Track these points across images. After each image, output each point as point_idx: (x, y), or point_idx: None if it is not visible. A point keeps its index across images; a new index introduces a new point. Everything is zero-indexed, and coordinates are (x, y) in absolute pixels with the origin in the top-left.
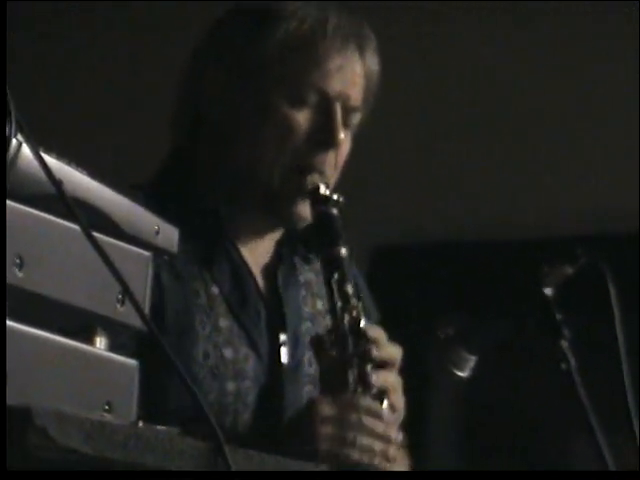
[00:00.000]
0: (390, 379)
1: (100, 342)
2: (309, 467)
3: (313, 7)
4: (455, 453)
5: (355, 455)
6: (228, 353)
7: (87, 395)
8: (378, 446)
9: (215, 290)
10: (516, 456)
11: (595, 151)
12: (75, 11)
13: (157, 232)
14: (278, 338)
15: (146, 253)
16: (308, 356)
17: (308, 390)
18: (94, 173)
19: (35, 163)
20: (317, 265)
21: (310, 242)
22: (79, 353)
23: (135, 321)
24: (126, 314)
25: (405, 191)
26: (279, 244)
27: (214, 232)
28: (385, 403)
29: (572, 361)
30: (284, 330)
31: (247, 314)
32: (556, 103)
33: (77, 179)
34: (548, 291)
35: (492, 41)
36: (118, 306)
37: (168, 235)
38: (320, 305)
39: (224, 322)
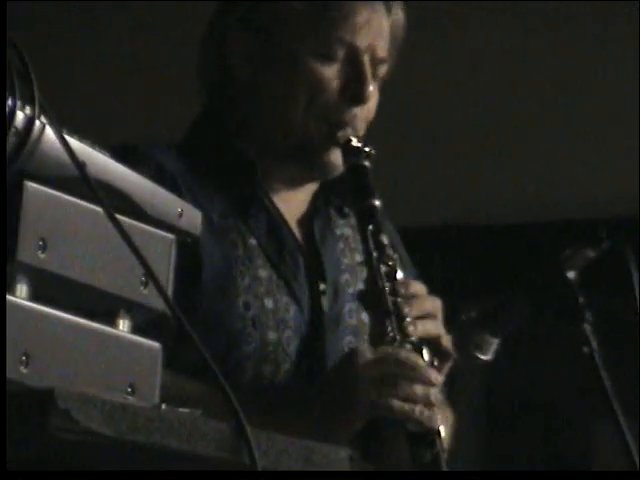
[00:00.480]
0: (431, 329)
1: (123, 324)
2: (333, 450)
3: None
4: (477, 437)
5: (395, 403)
6: (269, 303)
7: (110, 377)
8: (419, 391)
9: (253, 241)
10: (538, 440)
11: (619, 133)
12: None
13: (180, 214)
14: (317, 288)
15: (169, 236)
16: (348, 307)
17: (349, 341)
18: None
19: (58, 145)
20: (353, 220)
21: (344, 194)
22: (102, 335)
23: (159, 304)
24: (149, 297)
25: (430, 173)
26: (314, 197)
27: (249, 184)
28: (425, 353)
29: (594, 345)
30: (323, 280)
31: (286, 264)
32: (579, 86)
33: (100, 161)
34: (571, 274)
35: (495, 32)
36: (141, 288)
37: (191, 217)
38: (359, 258)
39: (263, 272)
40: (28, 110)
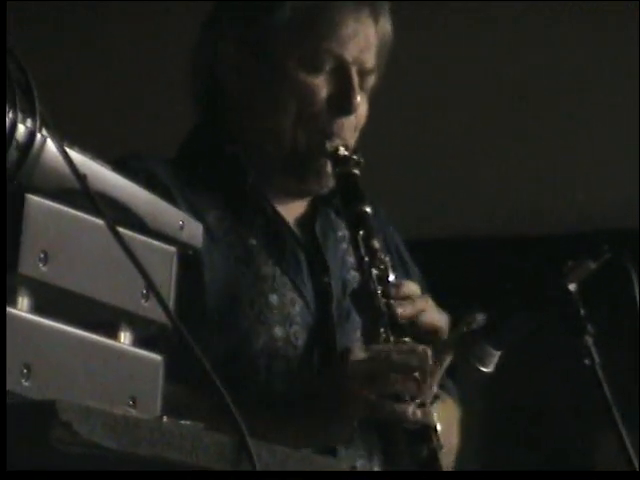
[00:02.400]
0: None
1: (125, 337)
2: (333, 463)
3: None
4: (479, 447)
5: (386, 403)
6: (274, 299)
7: (112, 390)
8: (411, 389)
9: (253, 241)
10: (540, 452)
11: (619, 145)
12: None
13: (181, 227)
14: (323, 284)
15: (171, 248)
16: None
17: (359, 336)
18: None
19: (60, 158)
20: None
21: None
22: (104, 348)
23: (160, 316)
24: (151, 309)
25: (431, 185)
26: (313, 201)
27: (244, 187)
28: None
29: (596, 357)
30: (327, 276)
31: (287, 261)
32: (580, 98)
33: (101, 174)
34: (572, 286)
35: (496, 34)
36: (143, 301)
37: (192, 230)
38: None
39: (266, 270)
40: (29, 123)
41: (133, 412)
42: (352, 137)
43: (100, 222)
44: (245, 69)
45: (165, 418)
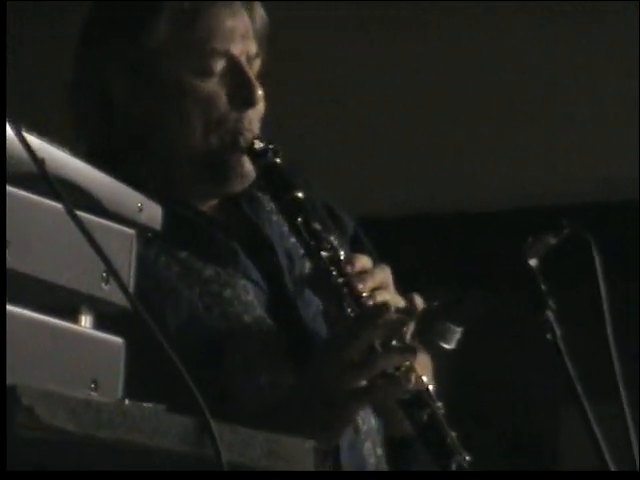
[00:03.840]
0: (388, 298)
1: (85, 320)
2: (299, 442)
3: None
4: None
5: (376, 386)
6: (227, 294)
7: (73, 374)
8: (396, 361)
9: (182, 254)
10: (505, 428)
11: (577, 121)
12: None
13: (140, 209)
14: (269, 261)
15: (130, 231)
16: (307, 267)
17: (318, 302)
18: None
19: (17, 142)
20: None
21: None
22: (64, 332)
23: (120, 299)
24: (111, 292)
25: (387, 163)
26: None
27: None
28: None
29: (558, 331)
30: (271, 252)
31: (221, 255)
32: (540, 77)
33: (59, 157)
34: (533, 262)
35: (491, 29)
36: (103, 284)
37: (151, 212)
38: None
39: (208, 272)
40: None
41: (95, 395)
42: (258, 127)
43: (58, 206)
44: (142, 94)
45: (127, 401)
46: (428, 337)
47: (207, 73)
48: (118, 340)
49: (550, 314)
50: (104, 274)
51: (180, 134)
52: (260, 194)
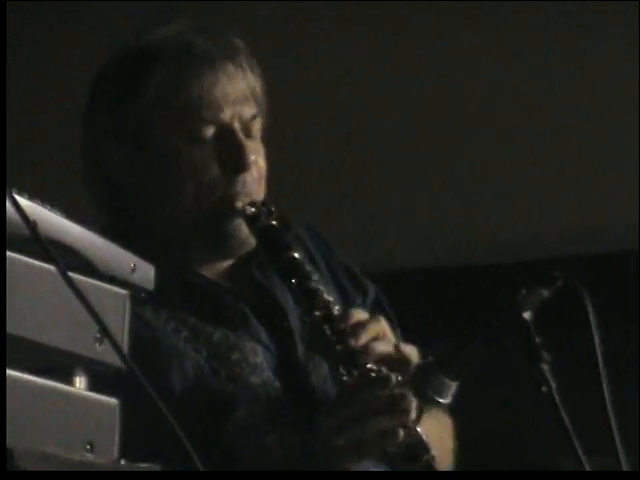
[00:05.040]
0: (383, 349)
1: (80, 382)
2: None
3: (169, 35)
4: None
5: (371, 441)
6: (235, 356)
7: (68, 435)
8: (394, 420)
9: (191, 319)
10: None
11: (570, 173)
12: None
13: (133, 270)
14: (278, 324)
15: (123, 291)
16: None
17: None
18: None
19: (9, 205)
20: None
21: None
22: (59, 394)
23: (114, 360)
24: (105, 353)
25: (384, 217)
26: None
27: (170, 276)
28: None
29: (553, 384)
30: (281, 315)
31: (231, 319)
32: (532, 126)
33: (51, 219)
34: (526, 314)
35: (487, 53)
36: (97, 345)
37: (144, 272)
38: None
39: (217, 336)
40: None
41: (90, 457)
42: (257, 188)
43: (51, 268)
44: (133, 162)
45: (123, 461)
46: (423, 391)
47: (198, 140)
48: (113, 401)
49: (545, 366)
50: (98, 335)
51: (173, 201)
52: None
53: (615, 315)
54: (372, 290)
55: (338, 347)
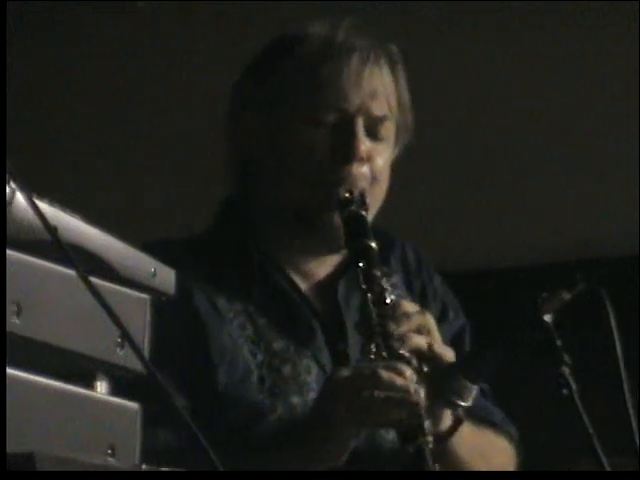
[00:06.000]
0: (419, 342)
1: (101, 386)
2: None
3: (324, 26)
4: None
5: (376, 414)
6: (287, 370)
7: (90, 440)
8: (398, 392)
9: (262, 320)
10: None
11: (590, 176)
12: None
13: (154, 274)
14: (339, 349)
15: (143, 295)
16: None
17: None
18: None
19: (30, 210)
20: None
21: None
22: (80, 398)
23: (135, 364)
24: (126, 357)
25: (406, 219)
26: (341, 263)
27: (257, 267)
28: (412, 367)
29: (573, 386)
30: (344, 341)
31: (299, 333)
32: (553, 130)
33: (72, 224)
34: (547, 317)
35: (486, 59)
36: (118, 350)
37: (165, 277)
38: None
39: (278, 344)
40: None
41: (112, 461)
42: (368, 187)
43: (72, 272)
44: (258, 132)
45: (144, 466)
46: (445, 395)
47: (317, 123)
48: (134, 405)
49: (566, 369)
50: (119, 339)
51: (281, 180)
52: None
53: (635, 318)
54: (437, 280)
55: (378, 329)
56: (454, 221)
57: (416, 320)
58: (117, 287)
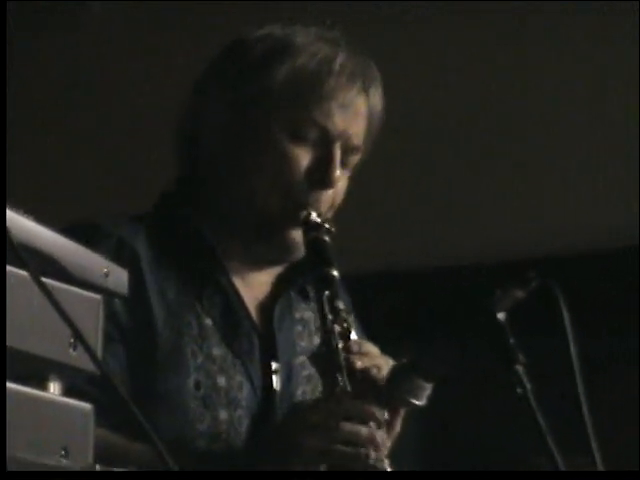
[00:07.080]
0: (379, 380)
1: (54, 387)
2: None
3: (324, 43)
4: None
5: (337, 447)
6: (221, 381)
7: (43, 441)
8: (363, 433)
9: (208, 321)
10: None
11: (544, 172)
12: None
13: (106, 275)
14: (270, 369)
15: (96, 296)
16: (302, 390)
17: None
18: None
19: None
20: (314, 304)
21: (308, 275)
22: (33, 399)
23: (88, 365)
24: (79, 358)
25: (355, 218)
26: (278, 279)
27: (207, 266)
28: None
29: (528, 385)
30: (276, 360)
31: (240, 344)
32: (512, 128)
33: (24, 225)
34: (501, 315)
35: (480, 56)
36: (70, 350)
37: (118, 277)
38: (317, 340)
39: (217, 351)
40: None
41: (65, 462)
42: (328, 212)
43: (24, 273)
44: (230, 129)
45: (98, 467)
46: (398, 394)
47: (299, 138)
48: (87, 406)
49: (520, 368)
50: (71, 340)
51: (247, 184)
52: (297, 299)
53: (590, 315)
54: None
55: (343, 363)
56: (409, 218)
57: (379, 360)
58: (69, 288)
